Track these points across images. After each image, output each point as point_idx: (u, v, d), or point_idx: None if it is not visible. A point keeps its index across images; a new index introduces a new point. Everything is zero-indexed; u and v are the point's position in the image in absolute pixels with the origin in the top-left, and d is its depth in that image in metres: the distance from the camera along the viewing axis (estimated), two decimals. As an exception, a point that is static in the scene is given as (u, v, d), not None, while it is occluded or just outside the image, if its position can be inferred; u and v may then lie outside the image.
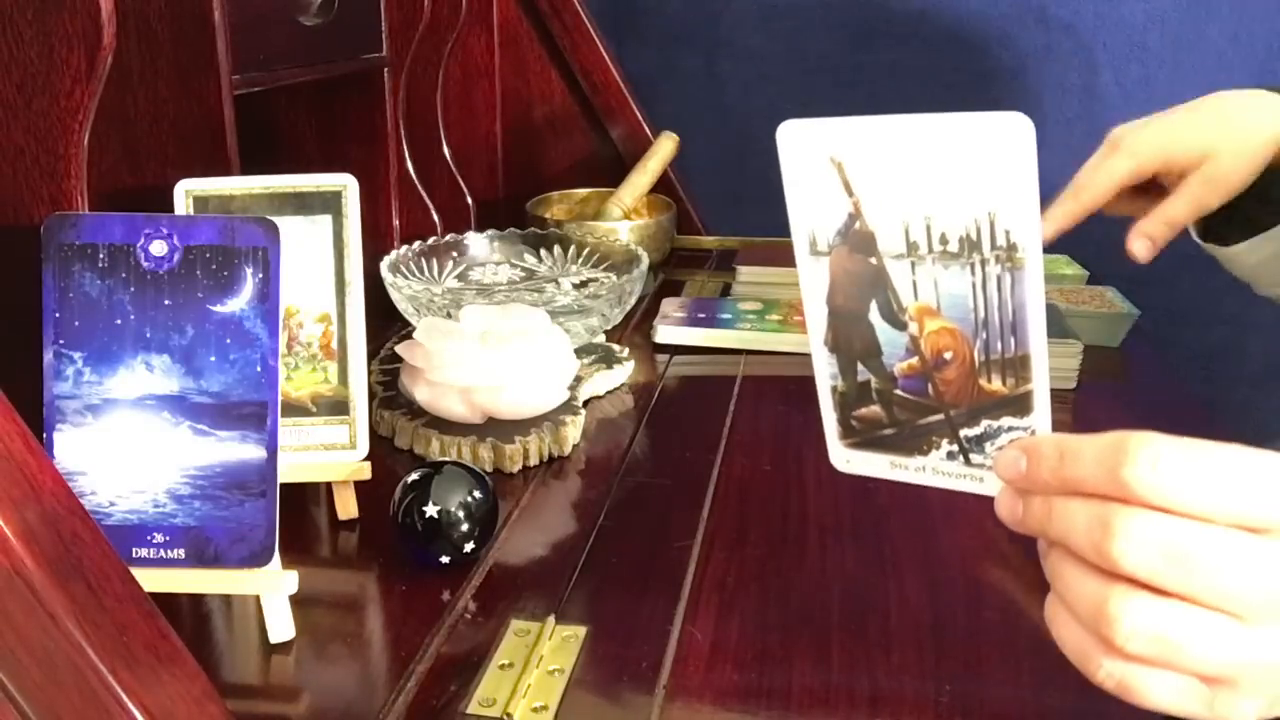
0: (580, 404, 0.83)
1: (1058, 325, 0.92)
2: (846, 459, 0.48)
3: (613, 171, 1.30)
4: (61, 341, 0.54)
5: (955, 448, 0.44)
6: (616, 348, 0.94)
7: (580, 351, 0.90)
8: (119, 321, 0.55)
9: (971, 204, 0.39)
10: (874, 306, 0.44)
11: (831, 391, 0.47)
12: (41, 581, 0.40)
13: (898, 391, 0.45)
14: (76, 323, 0.55)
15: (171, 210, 0.65)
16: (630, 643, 0.56)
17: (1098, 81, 1.40)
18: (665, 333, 0.99)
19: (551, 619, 0.57)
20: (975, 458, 0.44)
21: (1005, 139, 0.38)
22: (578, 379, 0.84)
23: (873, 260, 0.43)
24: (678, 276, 1.22)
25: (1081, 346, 0.93)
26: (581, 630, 0.57)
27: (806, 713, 0.51)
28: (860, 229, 0.42)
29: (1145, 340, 1.01)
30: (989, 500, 0.70)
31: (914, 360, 0.44)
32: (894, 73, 1.44)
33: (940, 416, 0.44)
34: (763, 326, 0.99)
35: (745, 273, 1.11)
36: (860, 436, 0.47)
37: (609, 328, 0.96)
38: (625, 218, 1.23)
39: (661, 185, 1.28)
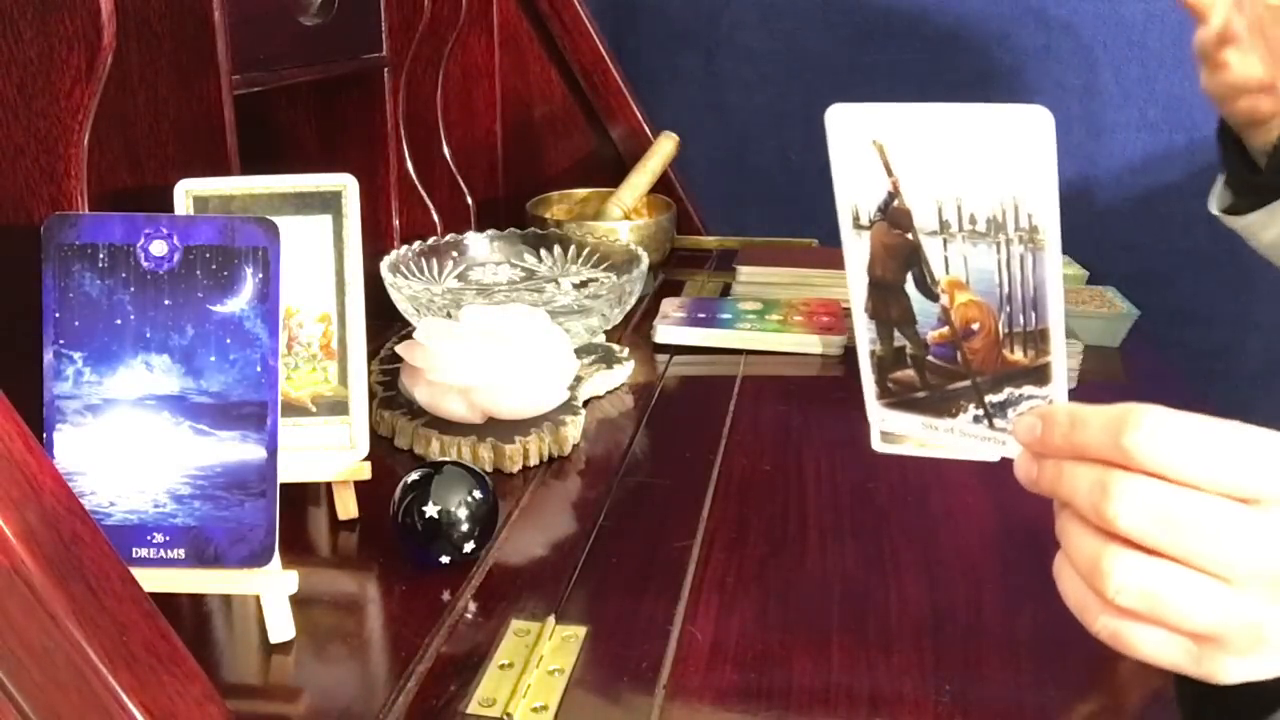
0: (580, 404, 0.83)
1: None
2: (882, 418, 0.51)
3: (613, 171, 1.30)
4: (61, 341, 0.54)
5: (980, 412, 0.47)
6: (616, 348, 0.94)
7: (580, 351, 0.90)
8: (119, 321, 0.55)
9: (998, 188, 0.42)
10: (909, 278, 0.47)
11: (870, 355, 0.50)
12: (41, 581, 0.40)
13: (930, 357, 0.48)
14: (76, 323, 0.55)
15: (171, 210, 0.65)
16: (630, 643, 0.56)
17: (1098, 81, 1.40)
18: (665, 333, 0.99)
19: (551, 619, 0.57)
20: (999, 422, 0.47)
21: (1027, 129, 0.41)
22: (578, 379, 0.84)
23: (909, 236, 0.46)
24: (678, 276, 1.22)
25: (1082, 346, 0.93)
26: (581, 630, 0.57)
27: (806, 713, 0.51)
28: (898, 206, 0.45)
29: (1145, 340, 1.01)
30: (988, 502, 0.70)
31: (945, 329, 0.47)
32: (894, 73, 1.44)
33: (967, 382, 0.47)
34: (763, 326, 0.99)
35: (745, 273, 1.11)
36: (895, 398, 0.50)
37: (609, 328, 0.96)
38: (625, 218, 1.23)
39: (661, 185, 1.28)
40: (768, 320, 1.00)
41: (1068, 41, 1.39)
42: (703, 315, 1.02)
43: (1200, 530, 0.37)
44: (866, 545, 0.65)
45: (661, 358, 0.97)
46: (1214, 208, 0.87)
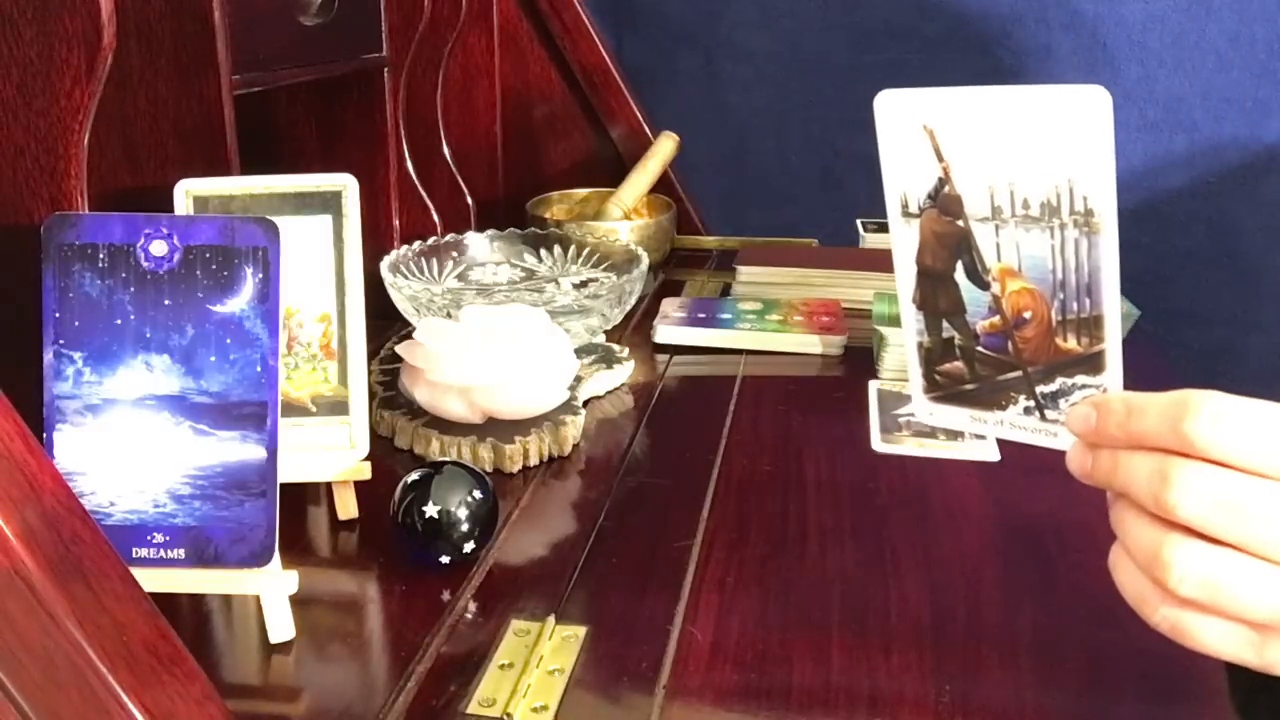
0: (580, 404, 0.83)
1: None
2: (930, 412, 0.50)
3: (613, 171, 1.30)
4: (61, 341, 0.54)
5: (1031, 404, 0.46)
6: (616, 348, 0.94)
7: (580, 351, 0.90)
8: (119, 321, 0.55)
9: (1052, 171, 0.42)
10: (959, 267, 0.46)
11: (918, 347, 0.49)
12: (41, 581, 0.40)
13: (979, 348, 0.47)
14: (76, 323, 0.55)
15: (171, 210, 0.65)
16: (630, 643, 0.56)
17: (1097, 81, 1.40)
18: (665, 333, 0.99)
19: (551, 619, 0.57)
20: (1050, 414, 0.46)
21: (1084, 110, 0.40)
22: (578, 379, 0.84)
23: (960, 223, 0.45)
24: (678, 276, 1.22)
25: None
26: (581, 630, 0.57)
27: (806, 713, 0.51)
28: (949, 193, 0.45)
29: (1145, 340, 1.01)
30: (988, 501, 0.70)
31: (995, 319, 0.46)
32: (894, 73, 1.43)
33: (1019, 373, 0.46)
34: (763, 326, 0.99)
35: (745, 273, 1.11)
36: (943, 390, 0.49)
37: (609, 328, 0.96)
38: (625, 218, 1.23)
39: (661, 185, 1.28)
40: (768, 320, 1.00)
41: (1068, 41, 1.39)
42: (703, 315, 1.02)
43: (1264, 517, 0.36)
44: (866, 545, 0.65)
45: (661, 358, 0.97)
46: None
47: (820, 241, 1.29)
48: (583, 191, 1.31)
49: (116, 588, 0.42)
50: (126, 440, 0.55)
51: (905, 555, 0.64)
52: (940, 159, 0.44)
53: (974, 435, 0.49)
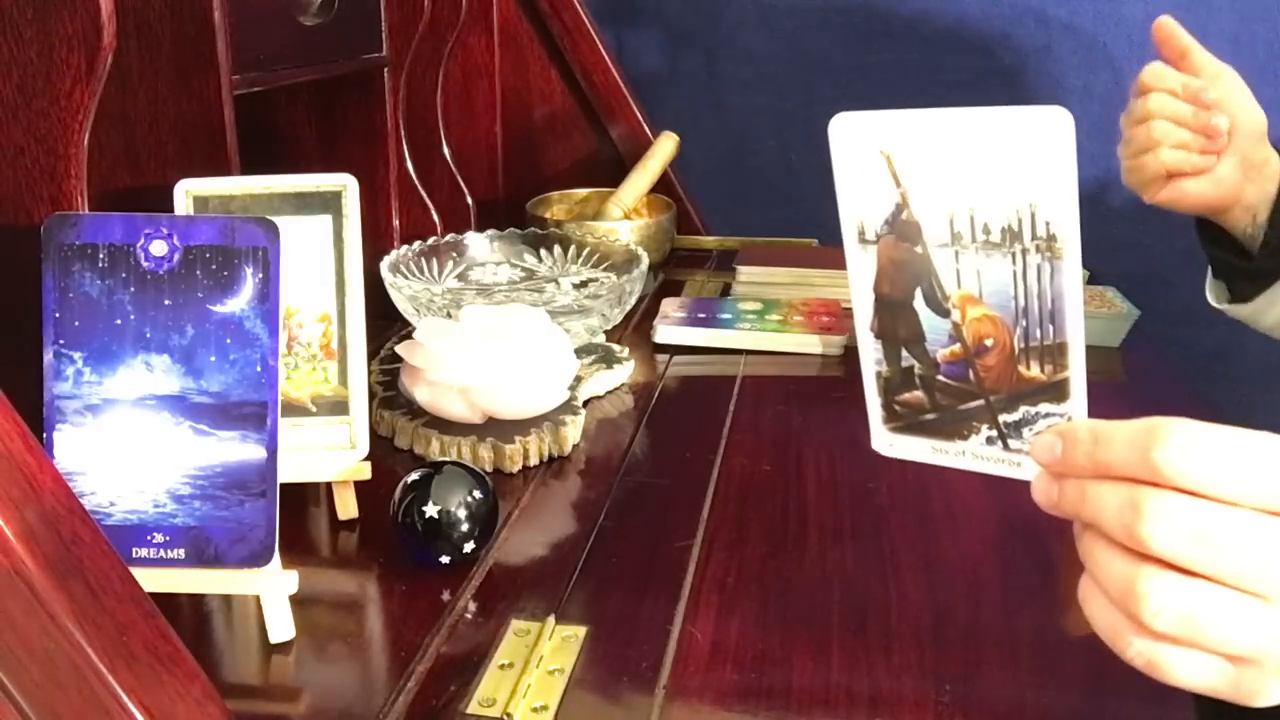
0: (580, 404, 0.83)
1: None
2: (889, 443, 0.49)
3: (613, 171, 1.30)
4: (61, 341, 0.54)
5: (994, 433, 0.45)
6: (616, 348, 0.94)
7: (580, 351, 0.90)
8: (119, 321, 0.55)
9: (1013, 195, 0.41)
10: (919, 294, 0.45)
11: (876, 376, 0.48)
12: (41, 581, 0.40)
13: (940, 377, 0.46)
14: (76, 323, 0.55)
15: (171, 210, 0.65)
16: (630, 643, 0.56)
17: (1098, 81, 1.40)
18: (665, 333, 0.99)
19: (551, 619, 0.57)
20: (1013, 443, 0.45)
21: (1046, 132, 0.39)
22: (578, 379, 0.84)
23: (918, 249, 0.44)
24: (678, 276, 1.22)
25: (1082, 347, 0.93)
26: (581, 630, 0.57)
27: (806, 713, 0.51)
28: (907, 219, 0.44)
29: (1145, 340, 1.01)
30: (988, 501, 0.70)
31: (956, 347, 0.45)
32: (894, 73, 1.43)
33: (980, 402, 0.45)
34: (763, 326, 0.99)
35: (745, 273, 1.11)
36: (903, 421, 0.48)
37: (609, 328, 0.96)
38: (625, 218, 1.23)
39: (661, 185, 1.28)
40: (768, 320, 1.00)
41: (1068, 41, 1.39)
42: (703, 315, 1.02)
43: (1238, 548, 0.35)
44: (866, 545, 0.65)
45: (661, 358, 0.97)
46: (1213, 301, 0.87)
47: (820, 241, 1.29)
48: (583, 191, 1.31)
49: (116, 588, 0.42)
50: (126, 440, 0.55)
51: (905, 555, 0.64)
52: (898, 184, 0.43)
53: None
